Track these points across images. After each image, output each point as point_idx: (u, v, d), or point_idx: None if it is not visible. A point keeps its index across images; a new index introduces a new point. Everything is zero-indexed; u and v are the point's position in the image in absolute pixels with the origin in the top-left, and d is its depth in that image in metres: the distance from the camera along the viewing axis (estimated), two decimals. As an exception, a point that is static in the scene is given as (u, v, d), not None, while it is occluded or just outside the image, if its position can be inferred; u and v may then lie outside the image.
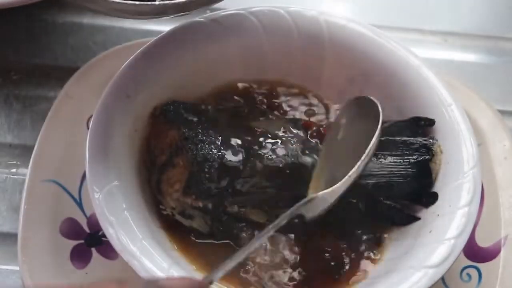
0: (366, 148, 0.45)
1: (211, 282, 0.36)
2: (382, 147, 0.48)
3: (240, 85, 0.55)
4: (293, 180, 0.47)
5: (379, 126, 0.46)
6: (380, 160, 0.48)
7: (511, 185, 0.54)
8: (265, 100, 0.54)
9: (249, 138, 0.48)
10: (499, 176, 0.54)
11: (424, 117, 0.49)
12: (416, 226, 0.47)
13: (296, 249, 0.47)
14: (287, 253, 0.47)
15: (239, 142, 0.47)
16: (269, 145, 0.47)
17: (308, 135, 0.49)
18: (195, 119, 0.49)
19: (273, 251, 0.47)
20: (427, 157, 0.47)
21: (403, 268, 0.43)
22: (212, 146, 0.47)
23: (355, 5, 0.72)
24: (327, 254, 0.47)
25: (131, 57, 0.49)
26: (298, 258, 0.47)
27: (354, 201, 0.47)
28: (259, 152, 0.47)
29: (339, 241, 0.48)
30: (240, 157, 0.47)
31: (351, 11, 0.71)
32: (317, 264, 0.47)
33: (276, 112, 0.53)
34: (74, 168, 0.52)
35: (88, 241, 0.50)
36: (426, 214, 0.47)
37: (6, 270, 0.50)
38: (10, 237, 0.51)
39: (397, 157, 0.48)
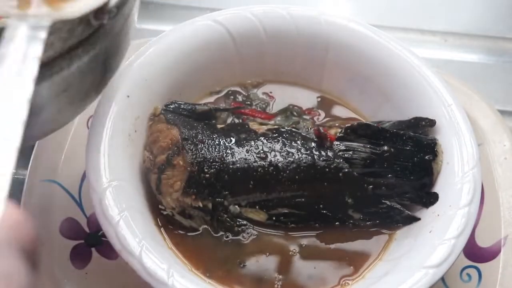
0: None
1: None
2: (389, 140, 0.48)
3: (240, 85, 0.55)
4: (294, 179, 0.47)
5: None
6: (386, 153, 0.48)
7: (511, 185, 0.54)
8: (265, 100, 0.54)
9: (249, 138, 0.48)
10: (499, 176, 0.54)
11: (425, 117, 0.49)
12: (416, 226, 0.47)
13: (298, 248, 0.47)
14: (290, 251, 0.47)
15: (239, 142, 0.47)
16: (270, 145, 0.47)
17: (310, 135, 0.49)
18: (195, 119, 0.49)
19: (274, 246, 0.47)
20: (430, 157, 0.47)
21: (403, 268, 0.43)
22: (212, 146, 0.47)
23: (355, 5, 0.72)
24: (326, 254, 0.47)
25: (131, 57, 0.49)
26: (299, 257, 0.47)
27: (351, 201, 0.47)
28: (259, 152, 0.47)
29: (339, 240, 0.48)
30: (239, 157, 0.47)
31: (351, 11, 0.71)
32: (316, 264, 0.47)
33: (276, 112, 0.53)
34: (74, 168, 0.52)
35: (88, 241, 0.50)
36: (426, 214, 0.47)
37: (6, 270, 0.50)
38: (10, 237, 0.51)
39: (403, 152, 0.48)
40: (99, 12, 0.37)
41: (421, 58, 0.51)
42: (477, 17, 0.72)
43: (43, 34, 0.32)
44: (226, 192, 0.46)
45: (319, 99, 0.55)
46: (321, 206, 0.47)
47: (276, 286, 0.45)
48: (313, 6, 0.64)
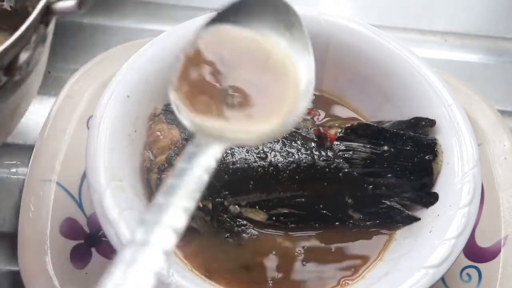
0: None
1: None
2: (389, 140, 0.48)
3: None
4: (294, 179, 0.47)
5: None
6: (386, 153, 0.48)
7: (511, 185, 0.54)
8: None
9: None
10: (499, 176, 0.54)
11: (425, 117, 0.49)
12: (416, 226, 0.47)
13: (298, 249, 0.47)
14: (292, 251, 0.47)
15: (239, 142, 0.47)
16: (270, 145, 0.47)
17: (310, 135, 0.49)
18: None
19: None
20: (430, 157, 0.48)
21: (403, 268, 0.43)
22: (212, 146, 0.47)
23: (355, 5, 0.72)
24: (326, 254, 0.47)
25: (131, 57, 0.49)
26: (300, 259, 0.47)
27: (351, 201, 0.48)
28: (259, 152, 0.47)
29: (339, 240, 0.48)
30: (239, 157, 0.47)
31: (351, 11, 0.71)
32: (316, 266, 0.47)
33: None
34: (74, 168, 0.52)
35: (88, 241, 0.50)
36: (426, 214, 0.47)
37: (6, 270, 0.50)
38: (10, 237, 0.51)
39: (403, 152, 0.48)
40: (9, 69, 0.36)
41: (421, 58, 0.51)
42: (477, 17, 0.72)
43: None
44: (226, 192, 0.46)
45: (318, 98, 0.55)
46: (321, 206, 0.47)
47: (276, 286, 0.45)
48: (313, 6, 0.64)
